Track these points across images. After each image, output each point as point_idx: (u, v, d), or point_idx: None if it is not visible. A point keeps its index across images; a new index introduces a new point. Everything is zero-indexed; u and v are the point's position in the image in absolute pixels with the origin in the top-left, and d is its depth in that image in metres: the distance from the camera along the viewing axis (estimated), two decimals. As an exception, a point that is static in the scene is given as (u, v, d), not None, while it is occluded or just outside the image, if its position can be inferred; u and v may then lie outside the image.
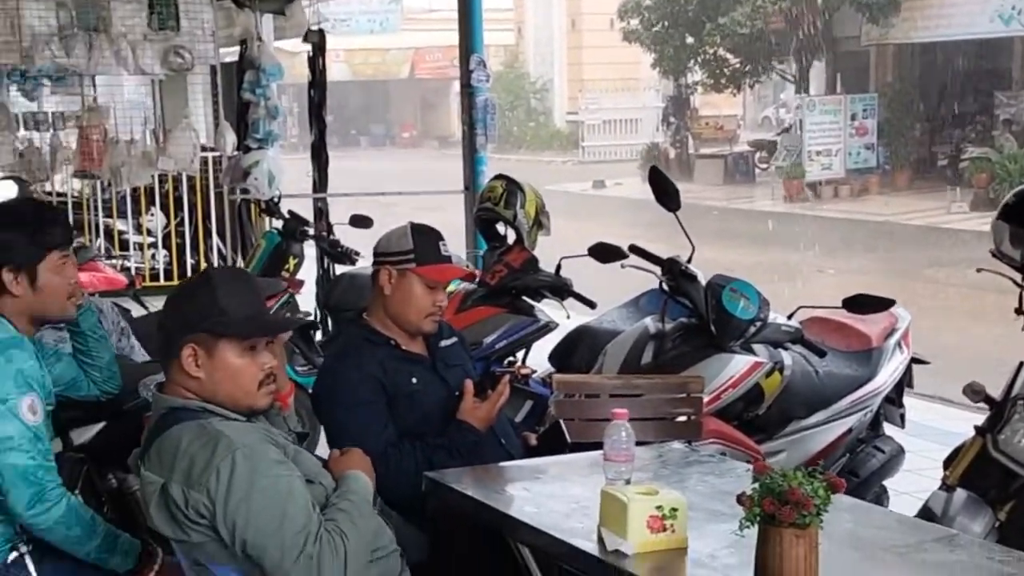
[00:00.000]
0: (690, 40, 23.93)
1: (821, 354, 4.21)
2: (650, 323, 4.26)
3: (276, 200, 7.09)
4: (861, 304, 4.06)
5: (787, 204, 20.37)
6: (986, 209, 15.36)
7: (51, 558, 2.81)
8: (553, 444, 3.50)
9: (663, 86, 28.05)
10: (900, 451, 4.69)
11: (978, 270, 3.90)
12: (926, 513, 3.47)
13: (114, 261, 9.96)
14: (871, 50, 22.53)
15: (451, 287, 4.51)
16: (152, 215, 11.18)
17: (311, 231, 6.74)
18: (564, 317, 5.13)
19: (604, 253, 4.51)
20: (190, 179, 10.62)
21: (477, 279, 4.92)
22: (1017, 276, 3.66)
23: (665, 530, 2.36)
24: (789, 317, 4.29)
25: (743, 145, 26.68)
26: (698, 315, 4.10)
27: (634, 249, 4.30)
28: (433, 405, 3.24)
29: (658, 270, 4.22)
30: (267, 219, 7.72)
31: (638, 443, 2.73)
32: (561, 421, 3.56)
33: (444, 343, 3.39)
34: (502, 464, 3.20)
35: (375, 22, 28.18)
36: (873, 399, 4.49)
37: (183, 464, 2.36)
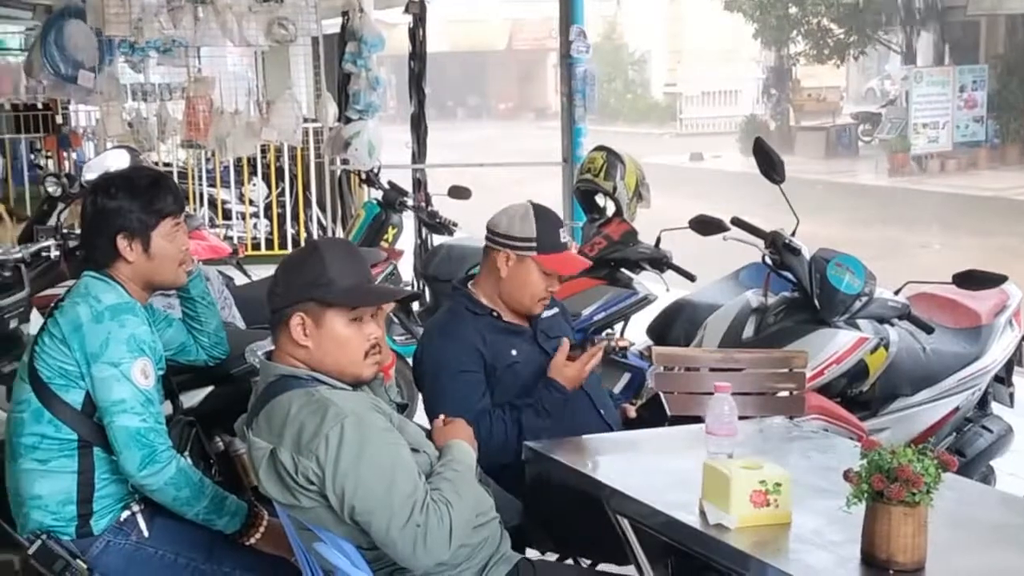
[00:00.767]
0: (793, 10, 23.47)
1: (929, 330, 4.12)
2: (752, 297, 4.21)
3: (376, 171, 7.16)
4: (972, 280, 3.96)
5: (891, 178, 19.91)
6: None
7: (161, 517, 2.88)
8: (652, 417, 3.50)
9: (764, 57, 27.56)
10: (1009, 431, 4.57)
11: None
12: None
13: (217, 230, 10.16)
14: (981, 20, 21.83)
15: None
16: (254, 185, 11.38)
17: (410, 201, 6.79)
18: (663, 290, 5.09)
19: (705, 225, 4.46)
20: (291, 150, 10.79)
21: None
22: None
23: (769, 505, 2.33)
24: (896, 292, 4.20)
25: (846, 117, 26.11)
26: (802, 289, 4.04)
27: (736, 222, 4.25)
28: (533, 376, 3.24)
29: (761, 243, 4.16)
30: (366, 189, 7.80)
31: (739, 418, 2.70)
32: (661, 394, 3.55)
33: (546, 314, 3.39)
34: (602, 435, 3.20)
35: (473, -7, 28.16)
36: (982, 377, 4.39)
37: (292, 431, 2.40)
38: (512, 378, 3.22)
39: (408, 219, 7.11)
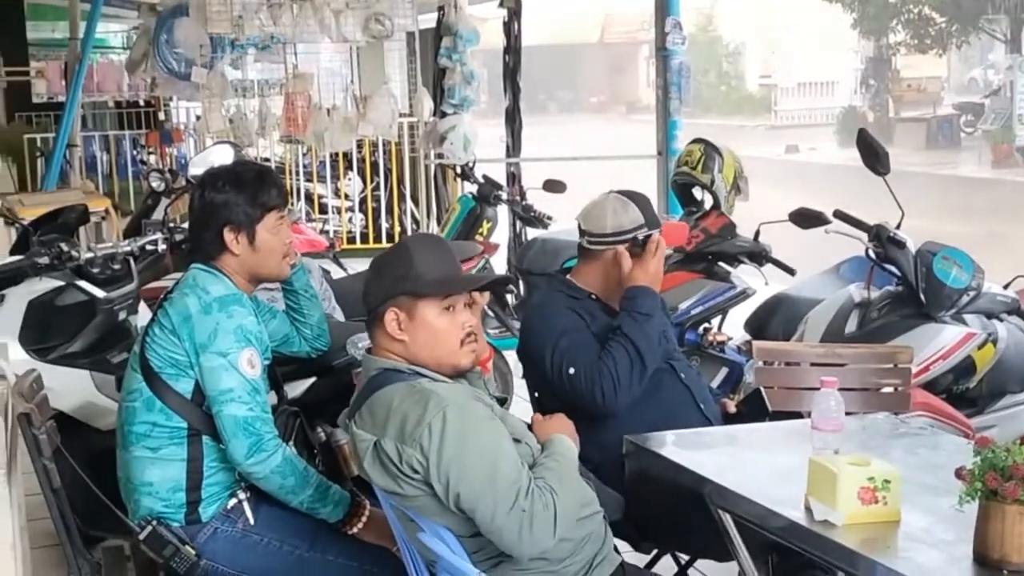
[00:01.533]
0: (893, -1, 23.02)
1: (1039, 326, 4.01)
2: (854, 291, 4.15)
3: (471, 164, 7.19)
4: None
5: (995, 170, 19.41)
6: None
7: (267, 505, 2.93)
8: (752, 412, 3.45)
9: (862, 47, 27.05)
10: (1124, 430, 4.42)
11: None
12: None
13: (313, 224, 10.31)
14: (1091, 6, 21.17)
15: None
16: (350, 180, 11.52)
17: (504, 195, 6.81)
18: (762, 284, 5.03)
19: (805, 218, 4.39)
20: (386, 144, 10.89)
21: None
22: None
23: (877, 502, 2.29)
24: (1005, 287, 4.10)
25: (947, 108, 25.51)
26: (907, 283, 3.96)
27: (838, 214, 4.18)
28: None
29: (864, 236, 4.08)
30: (461, 183, 7.84)
31: (843, 413, 2.66)
32: (762, 389, 3.50)
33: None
34: (703, 429, 3.17)
35: (566, -13, 28.12)
36: (1096, 374, 4.25)
37: (396, 421, 2.42)
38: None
39: (503, 213, 7.14)
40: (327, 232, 10.40)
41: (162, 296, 3.05)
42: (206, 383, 2.86)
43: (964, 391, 4.03)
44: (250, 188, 3.00)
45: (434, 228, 8.21)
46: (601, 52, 39.66)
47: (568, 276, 3.38)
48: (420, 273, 2.57)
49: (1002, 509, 2.06)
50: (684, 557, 3.49)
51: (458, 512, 2.40)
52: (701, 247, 4.88)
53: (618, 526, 2.96)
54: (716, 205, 5.13)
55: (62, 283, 3.81)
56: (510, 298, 6.63)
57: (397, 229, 11.05)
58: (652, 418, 3.15)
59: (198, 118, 11.11)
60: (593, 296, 3.29)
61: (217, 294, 2.91)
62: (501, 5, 8.18)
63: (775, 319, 4.64)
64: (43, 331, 3.79)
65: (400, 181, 11.06)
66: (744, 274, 5.06)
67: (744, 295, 4.96)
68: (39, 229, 4.06)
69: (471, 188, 6.96)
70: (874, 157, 4.00)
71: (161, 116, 14.06)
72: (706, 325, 4.92)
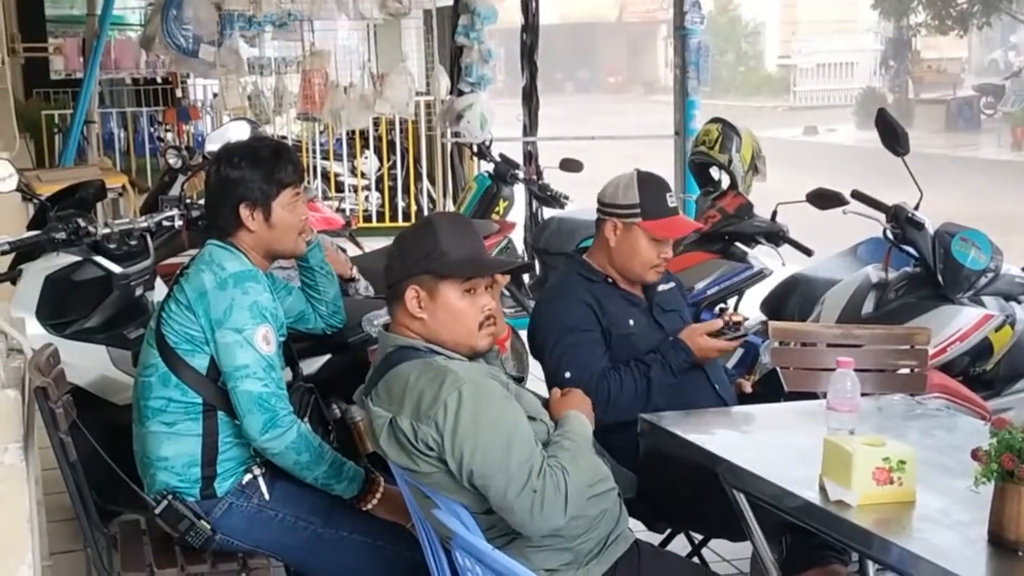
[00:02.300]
0: (914, -20, 22.83)
1: (1058, 309, 3.98)
2: (871, 272, 4.13)
3: (487, 143, 7.17)
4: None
5: (1015, 152, 19.28)
6: None
7: (282, 481, 2.94)
8: (768, 392, 3.45)
9: (883, 28, 26.86)
10: None
11: None
12: None
13: (330, 202, 10.31)
14: (1114, -13, 20.96)
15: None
16: (366, 158, 11.52)
17: (521, 174, 6.80)
18: (778, 264, 5.01)
19: (823, 199, 4.37)
20: (403, 123, 10.88)
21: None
22: None
23: (892, 483, 2.28)
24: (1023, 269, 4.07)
25: (967, 90, 25.33)
26: (924, 264, 3.94)
27: (856, 195, 4.15)
28: (648, 349, 3.22)
29: (882, 217, 4.06)
30: (478, 162, 7.83)
31: (859, 394, 2.64)
32: (778, 369, 3.50)
33: (662, 288, 3.37)
34: (719, 409, 3.17)
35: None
36: (1114, 358, 4.22)
37: (412, 398, 2.42)
38: (627, 348, 3.20)
39: (519, 192, 7.12)
40: (343, 210, 10.41)
41: (178, 272, 3.05)
42: (221, 359, 2.86)
43: (981, 373, 4.01)
44: (266, 164, 3.00)
45: (450, 207, 8.19)
46: (619, 31, 39.48)
47: (584, 256, 3.38)
48: (445, 252, 2.56)
49: (1018, 490, 2.06)
50: (698, 536, 3.50)
51: (472, 489, 2.41)
52: (718, 227, 4.86)
53: (632, 505, 2.96)
54: (733, 185, 5.11)
55: (79, 258, 3.82)
56: (526, 278, 6.62)
57: (413, 208, 11.05)
58: (667, 398, 3.15)
59: (215, 96, 11.13)
60: (610, 280, 3.28)
61: (233, 270, 2.91)
62: (519, -17, 8.14)
63: (791, 300, 4.62)
64: (60, 306, 3.80)
65: (416, 160, 11.05)
66: (761, 254, 5.04)
67: (761, 275, 4.94)
68: (56, 204, 4.07)
69: (487, 167, 6.95)
70: (893, 137, 3.97)
71: (179, 93, 14.05)
72: (722, 305, 4.91)
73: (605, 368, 3.15)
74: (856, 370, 2.64)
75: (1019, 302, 3.99)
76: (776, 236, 4.88)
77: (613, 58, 40.83)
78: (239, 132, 4.98)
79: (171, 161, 6.07)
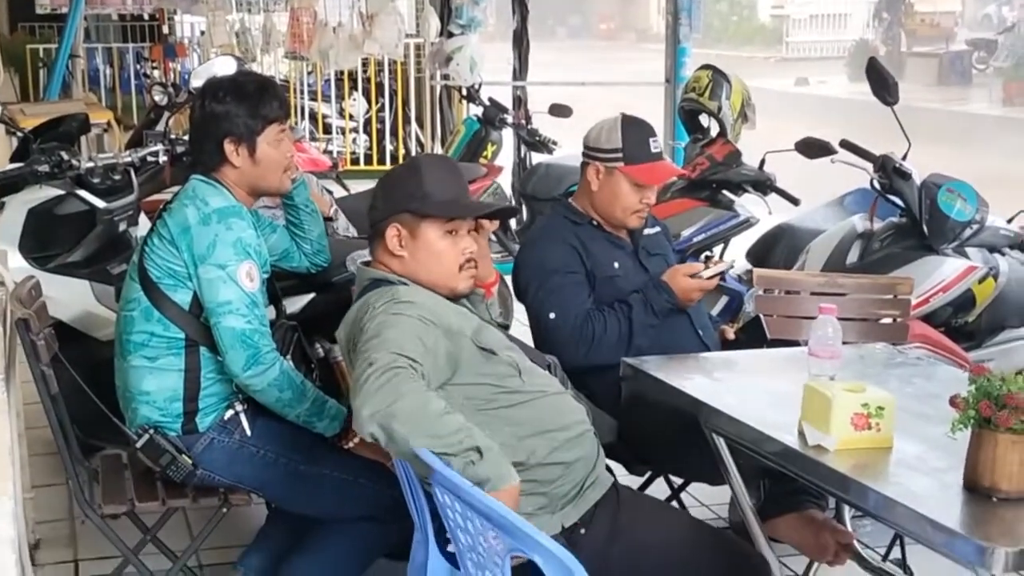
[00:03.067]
0: (909, -70, 22.63)
1: (1041, 262, 3.99)
2: (857, 222, 4.13)
3: (477, 87, 7.13)
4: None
5: (1005, 108, 19.22)
6: None
7: (264, 418, 2.94)
8: (751, 339, 3.46)
9: (877, -21, 26.68)
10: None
11: None
12: None
13: (318, 144, 10.26)
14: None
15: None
16: (354, 100, 11.44)
17: (510, 119, 6.76)
18: (765, 213, 5.01)
19: (812, 148, 4.35)
20: (391, 65, 10.79)
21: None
22: None
23: (870, 428, 2.30)
24: (1009, 221, 4.08)
25: (960, 44, 25.20)
26: (910, 215, 3.94)
27: (845, 144, 4.14)
28: (632, 292, 3.22)
29: (869, 167, 4.05)
30: (466, 106, 7.78)
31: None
32: (761, 316, 3.50)
33: (648, 231, 3.36)
34: (701, 354, 3.18)
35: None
36: (1096, 311, 4.25)
37: (365, 315, 2.44)
38: (611, 291, 3.20)
39: (507, 136, 7.09)
40: (330, 152, 10.36)
41: (162, 207, 3.03)
42: (204, 295, 2.85)
43: (963, 325, 4.03)
44: (251, 99, 2.97)
45: (438, 150, 8.16)
46: (613, -23, 39.12)
47: (570, 200, 3.37)
48: (428, 192, 2.56)
49: (994, 437, 2.07)
50: (677, 481, 3.53)
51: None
52: (706, 175, 4.85)
53: (612, 449, 2.98)
54: (722, 133, 5.10)
55: (62, 192, 3.80)
56: (512, 223, 6.61)
57: (401, 151, 10.99)
58: (650, 343, 3.15)
59: (202, 33, 11.02)
60: (594, 222, 3.27)
61: (216, 206, 2.89)
62: (512, -76, 8.04)
63: (777, 249, 4.63)
64: (43, 240, 3.78)
65: (405, 103, 10.97)
66: (748, 203, 5.03)
67: (747, 224, 4.94)
68: (39, 138, 4.03)
69: (476, 111, 6.91)
70: (883, 86, 3.96)
71: (165, 30, 13.91)
72: (707, 253, 4.91)
73: (589, 309, 3.15)
74: (839, 319, 2.64)
75: (1003, 254, 4.00)
76: (764, 185, 4.87)
77: (605, 4, 40.45)
78: (225, 68, 4.93)
79: (157, 98, 6.01)
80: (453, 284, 2.60)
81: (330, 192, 5.24)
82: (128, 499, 2.99)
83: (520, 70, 8.29)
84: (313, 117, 11.30)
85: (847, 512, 3.03)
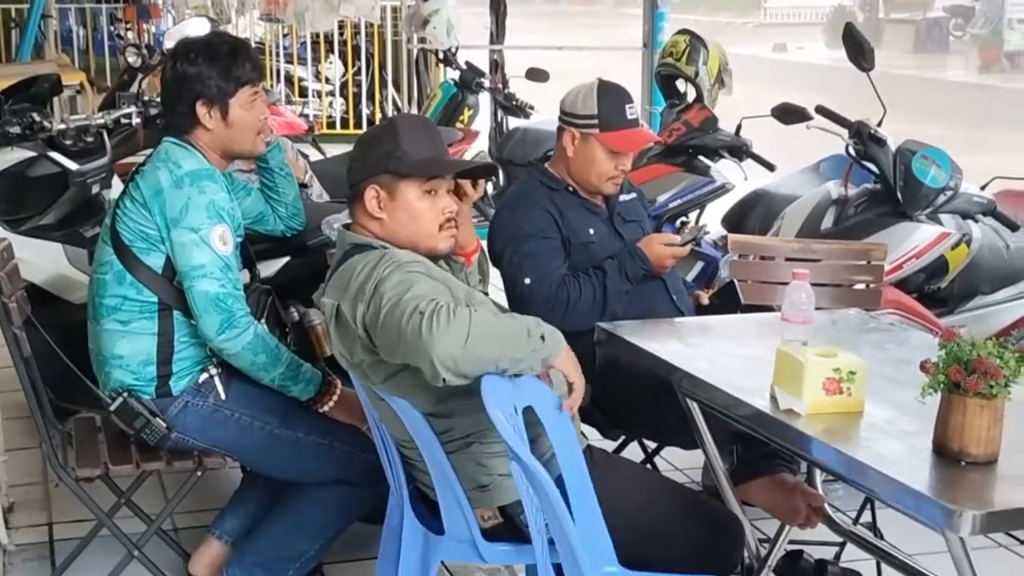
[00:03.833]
0: None
1: (1014, 228, 4.03)
2: (832, 188, 4.14)
3: (453, 50, 7.09)
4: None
5: (981, 75, 19.29)
6: None
7: (238, 381, 2.94)
8: (725, 305, 3.48)
9: (855, -56, 26.61)
10: (1091, 334, 4.48)
11: None
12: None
13: (293, 107, 10.19)
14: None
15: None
16: (331, 63, 11.36)
17: (487, 83, 6.74)
18: (741, 179, 5.01)
19: (788, 114, 4.36)
20: (368, 28, 10.71)
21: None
22: None
23: (841, 393, 2.31)
24: (982, 188, 4.10)
25: (938, 11, 25.20)
26: (884, 181, 3.96)
27: (820, 110, 4.15)
28: (607, 258, 3.23)
29: (844, 133, 4.07)
30: (443, 69, 7.74)
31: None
32: (735, 282, 3.52)
33: (623, 197, 3.36)
34: (675, 319, 3.19)
35: None
36: (1067, 277, 4.29)
37: (354, 284, 2.42)
38: (586, 257, 3.21)
39: (484, 101, 7.06)
40: (306, 116, 10.29)
41: (134, 169, 3.01)
42: (177, 258, 2.84)
43: (936, 291, 4.06)
44: (223, 61, 2.94)
45: (415, 113, 8.12)
46: (591, -60, 38.84)
47: (546, 165, 3.36)
48: (405, 152, 2.54)
49: (964, 402, 2.08)
50: (651, 445, 3.55)
51: (423, 386, 2.37)
52: (682, 140, 4.84)
53: (586, 412, 2.99)
54: (699, 98, 5.09)
55: (34, 154, 3.76)
56: (489, 188, 6.60)
57: (378, 115, 10.93)
58: (625, 307, 3.16)
59: (176, -6, 10.90)
60: (570, 188, 3.27)
61: (189, 168, 2.87)
62: None
63: (753, 215, 4.64)
64: (14, 202, 3.75)
65: (382, 66, 10.90)
66: (724, 168, 5.03)
67: (723, 190, 4.95)
68: (10, 99, 3.98)
69: (453, 74, 6.89)
70: (859, 52, 3.96)
71: (139, -9, 13.74)
72: (683, 219, 4.92)
73: (564, 275, 3.15)
74: (812, 284, 2.65)
75: (976, 221, 4.02)
76: (739, 150, 4.87)
77: (584, -32, 40.20)
78: (198, 29, 4.87)
79: (130, 60, 5.93)
80: (433, 244, 2.59)
81: (306, 156, 5.21)
82: (102, 462, 2.98)
83: (497, 34, 8.25)
84: (289, 80, 11.22)
85: (818, 476, 3.05)
